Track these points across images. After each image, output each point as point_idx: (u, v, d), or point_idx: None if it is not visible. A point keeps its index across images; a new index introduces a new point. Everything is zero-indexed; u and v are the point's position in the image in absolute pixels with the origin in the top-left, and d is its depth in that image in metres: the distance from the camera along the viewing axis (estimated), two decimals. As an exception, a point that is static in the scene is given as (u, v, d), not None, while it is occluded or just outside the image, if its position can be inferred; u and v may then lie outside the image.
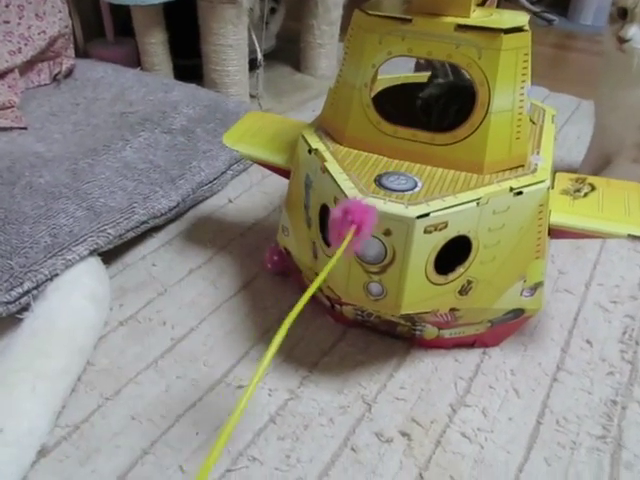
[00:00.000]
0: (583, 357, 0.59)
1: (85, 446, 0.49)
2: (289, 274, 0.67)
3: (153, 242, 0.73)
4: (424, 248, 0.46)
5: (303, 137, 0.55)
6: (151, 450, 0.48)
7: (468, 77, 0.51)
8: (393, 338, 0.60)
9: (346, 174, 0.49)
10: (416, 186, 0.48)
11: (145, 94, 0.92)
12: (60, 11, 0.97)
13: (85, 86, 0.96)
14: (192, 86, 0.97)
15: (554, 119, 0.61)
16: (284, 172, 0.61)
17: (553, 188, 0.55)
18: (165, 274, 0.68)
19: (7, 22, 0.90)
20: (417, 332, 0.57)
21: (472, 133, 0.49)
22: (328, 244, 0.51)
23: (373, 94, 0.54)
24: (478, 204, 0.46)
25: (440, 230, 0.46)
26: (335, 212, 0.40)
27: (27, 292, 0.56)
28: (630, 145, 0.76)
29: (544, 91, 1.22)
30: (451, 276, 0.49)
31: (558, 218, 0.52)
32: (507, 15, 0.51)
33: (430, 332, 0.57)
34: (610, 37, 0.71)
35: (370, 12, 0.50)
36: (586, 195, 0.55)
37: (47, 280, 0.58)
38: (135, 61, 1.09)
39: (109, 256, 0.67)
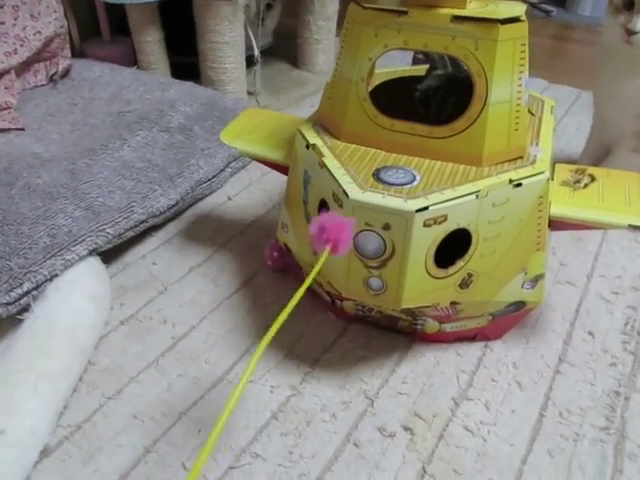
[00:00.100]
0: (585, 349, 0.59)
1: (87, 446, 0.49)
2: (289, 270, 0.67)
3: (153, 241, 0.73)
4: (424, 242, 0.46)
5: (301, 132, 0.55)
6: (153, 448, 0.48)
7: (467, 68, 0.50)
8: (394, 333, 0.60)
9: (344, 169, 0.49)
10: (414, 180, 0.48)
11: (142, 93, 0.92)
12: (55, 11, 0.97)
13: (82, 86, 0.96)
14: (189, 84, 0.96)
15: (553, 110, 0.61)
16: (282, 168, 0.61)
17: (553, 179, 0.54)
18: (165, 273, 0.68)
19: (2, 23, 0.90)
20: (418, 326, 0.57)
21: (470, 125, 0.49)
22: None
23: (370, 88, 0.54)
24: (477, 197, 0.46)
25: (439, 223, 0.45)
26: (312, 229, 0.41)
27: (27, 293, 0.56)
28: (629, 135, 0.76)
29: (543, 83, 1.22)
30: (451, 269, 0.48)
31: (558, 209, 0.51)
32: (503, 6, 0.51)
33: (431, 326, 0.57)
34: (614, 28, 0.70)
35: (365, 5, 0.50)
36: (586, 186, 0.55)
37: (47, 280, 0.58)
38: (132, 60, 1.08)
39: (109, 256, 0.67)
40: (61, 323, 0.55)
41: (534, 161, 0.51)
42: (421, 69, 0.63)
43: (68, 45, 1.01)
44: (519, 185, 0.48)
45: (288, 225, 0.59)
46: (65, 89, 0.96)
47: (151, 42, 1.04)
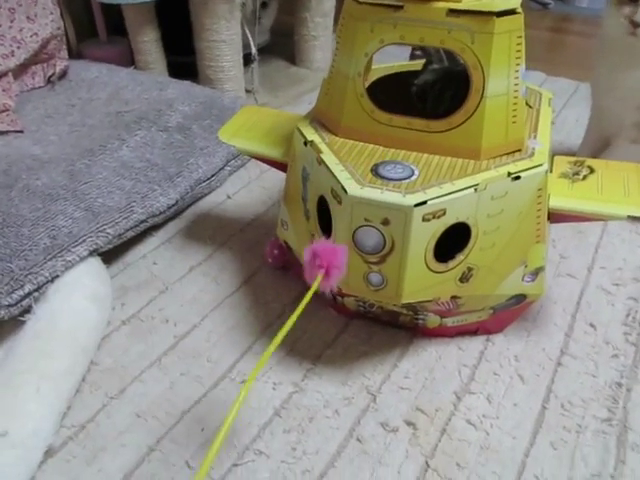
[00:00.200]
0: (587, 341, 0.59)
1: (91, 445, 0.49)
2: (290, 268, 0.67)
3: (153, 241, 0.73)
4: (423, 236, 0.46)
5: (298, 129, 0.55)
6: (157, 447, 0.49)
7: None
8: (396, 328, 0.60)
9: (342, 165, 0.49)
10: (413, 174, 0.48)
11: (140, 93, 0.92)
12: (52, 13, 0.97)
13: (80, 87, 0.96)
14: (187, 83, 0.96)
15: (550, 102, 0.61)
16: (281, 166, 0.61)
17: (551, 172, 0.54)
18: (166, 272, 0.68)
19: (-1, 25, 0.90)
20: (419, 321, 0.57)
21: (468, 119, 0.49)
22: (327, 236, 0.51)
23: (368, 84, 0.54)
24: (476, 190, 0.46)
25: (438, 218, 0.45)
26: (305, 255, 0.42)
27: (28, 294, 0.56)
28: (629, 125, 0.76)
29: (541, 75, 1.21)
30: (451, 264, 0.48)
31: (557, 202, 0.51)
32: (499, -2, 0.51)
33: (432, 321, 0.57)
34: (616, 20, 0.70)
35: (361, 0, 0.50)
36: (585, 178, 0.55)
37: (48, 282, 0.58)
38: (129, 60, 1.08)
39: (110, 256, 0.67)
40: (63, 324, 0.55)
41: (532, 154, 0.51)
42: (418, 64, 0.63)
43: (65, 46, 1.01)
44: (518, 178, 0.48)
45: (288, 222, 0.59)
46: (63, 90, 0.96)
47: (148, 42, 1.04)
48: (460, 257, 0.49)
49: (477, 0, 0.49)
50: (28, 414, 0.47)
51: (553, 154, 0.57)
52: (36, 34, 0.94)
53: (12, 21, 0.91)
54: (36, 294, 0.57)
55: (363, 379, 0.55)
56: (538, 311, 0.62)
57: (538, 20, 1.63)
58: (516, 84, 0.49)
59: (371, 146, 0.52)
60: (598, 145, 0.82)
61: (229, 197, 0.82)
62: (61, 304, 0.57)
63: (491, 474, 0.47)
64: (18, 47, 0.92)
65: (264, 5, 1.16)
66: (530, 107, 0.58)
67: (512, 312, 0.57)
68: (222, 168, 0.83)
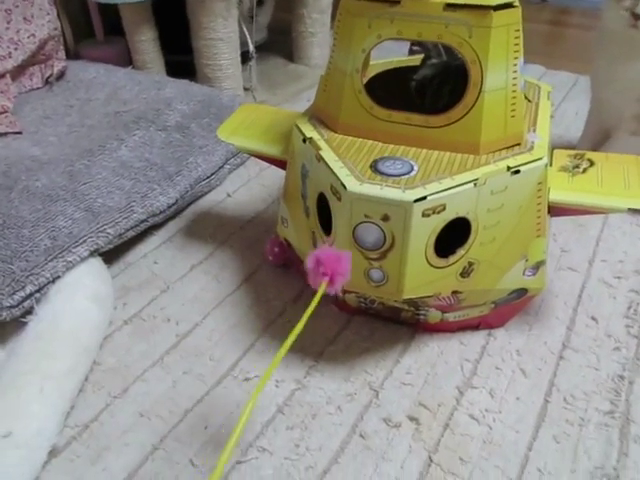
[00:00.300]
0: (589, 334, 0.59)
1: (95, 445, 0.49)
2: (290, 265, 0.67)
3: (154, 240, 0.73)
4: (423, 232, 0.46)
5: (297, 126, 0.55)
6: (161, 446, 0.49)
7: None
8: (397, 324, 0.60)
9: (341, 161, 0.49)
10: (412, 170, 0.48)
11: (138, 92, 0.92)
12: (48, 13, 0.96)
13: (78, 87, 0.96)
14: (185, 82, 0.96)
15: (550, 96, 0.61)
16: (280, 163, 0.61)
17: (551, 165, 0.54)
18: (167, 271, 0.68)
19: (-4, 27, 0.90)
20: (421, 317, 0.57)
21: (466, 113, 0.49)
22: (327, 233, 0.51)
23: (366, 80, 0.54)
24: (475, 185, 0.46)
25: (438, 213, 0.45)
26: (309, 262, 0.42)
27: (30, 295, 0.56)
28: (629, 117, 0.75)
29: (540, 69, 1.21)
30: (452, 259, 0.48)
31: (557, 195, 0.51)
32: (496, -8, 0.50)
33: (434, 316, 0.57)
34: (616, 12, 0.69)
35: (358, -4, 0.50)
36: (585, 171, 0.54)
37: (49, 283, 0.58)
38: (126, 60, 1.08)
39: (110, 256, 0.67)
40: (65, 324, 0.55)
41: (532, 147, 0.50)
42: (416, 59, 0.63)
43: (62, 47, 1.01)
44: (517, 172, 0.48)
45: (288, 220, 0.59)
46: (61, 91, 0.96)
47: (145, 41, 1.04)
48: (461, 252, 0.49)
49: (474, -6, 0.49)
50: (32, 414, 0.47)
51: (553, 147, 0.57)
52: (33, 35, 0.94)
53: (9, 22, 0.91)
54: (37, 295, 0.57)
55: (365, 375, 0.55)
56: (539, 305, 0.62)
57: (537, 13, 1.63)
58: (514, 78, 0.49)
59: (370, 142, 0.52)
60: (598, 138, 0.82)
61: (229, 195, 0.82)
62: (63, 305, 0.57)
63: (494, 468, 0.47)
64: (15, 48, 0.92)
65: (260, 2, 1.16)
66: (529, 101, 0.58)
67: (513, 306, 0.57)
68: (221, 166, 0.83)
